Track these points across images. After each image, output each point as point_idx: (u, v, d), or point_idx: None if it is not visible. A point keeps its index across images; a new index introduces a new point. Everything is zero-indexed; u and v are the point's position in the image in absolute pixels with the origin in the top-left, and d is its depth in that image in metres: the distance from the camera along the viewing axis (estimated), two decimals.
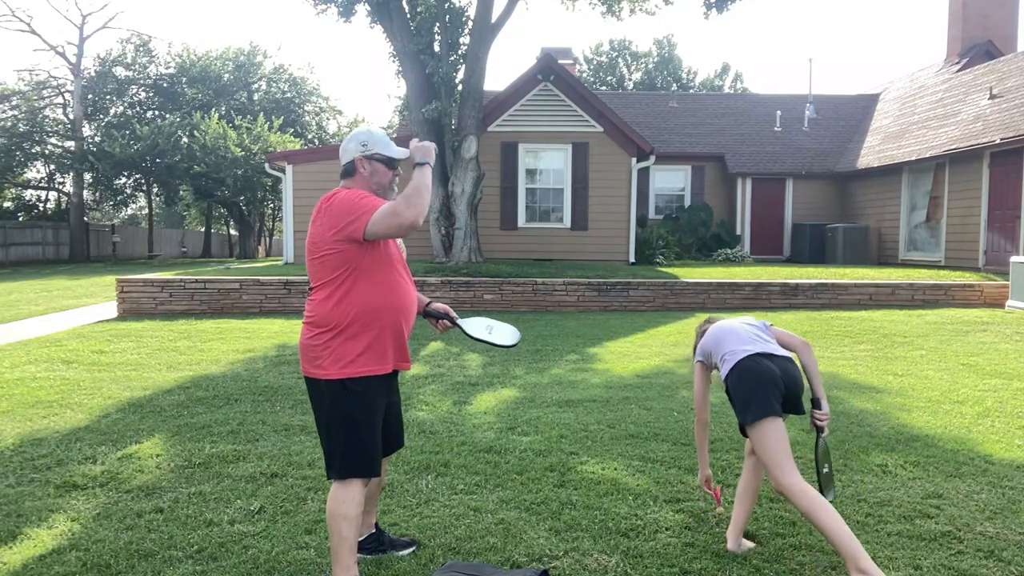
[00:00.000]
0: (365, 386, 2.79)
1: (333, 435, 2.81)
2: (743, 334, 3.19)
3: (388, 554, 3.19)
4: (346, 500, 2.76)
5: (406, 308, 2.90)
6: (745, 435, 3.07)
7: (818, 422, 3.14)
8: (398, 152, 2.94)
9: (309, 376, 2.84)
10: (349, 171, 2.93)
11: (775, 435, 2.94)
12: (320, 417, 2.86)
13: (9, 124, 32.70)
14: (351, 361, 2.76)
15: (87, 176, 32.64)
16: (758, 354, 3.06)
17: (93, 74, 35.39)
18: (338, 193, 2.81)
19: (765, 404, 2.95)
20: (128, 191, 37.95)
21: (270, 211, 44.00)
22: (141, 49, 37.23)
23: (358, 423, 2.78)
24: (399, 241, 3.03)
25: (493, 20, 14.60)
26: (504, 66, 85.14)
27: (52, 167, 35.78)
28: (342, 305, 2.76)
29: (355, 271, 2.76)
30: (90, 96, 35.37)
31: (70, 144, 33.45)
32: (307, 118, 43.80)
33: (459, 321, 3.10)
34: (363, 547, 3.16)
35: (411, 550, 3.23)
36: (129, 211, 50.75)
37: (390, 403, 2.99)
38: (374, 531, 3.22)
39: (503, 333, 3.13)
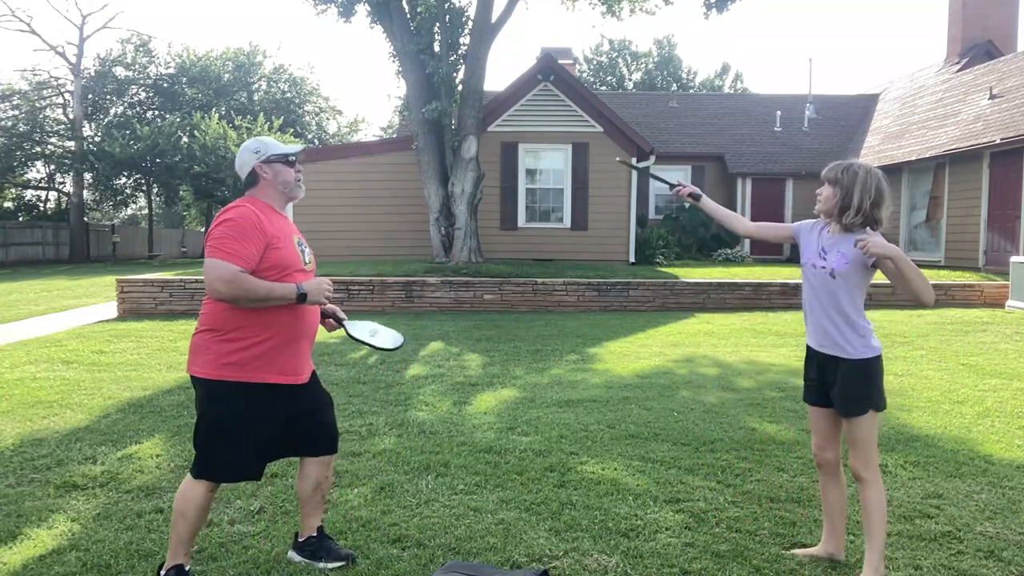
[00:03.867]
0: (236, 392, 2.77)
1: (197, 433, 2.83)
2: None
3: (320, 564, 3.07)
4: (186, 497, 2.81)
5: (301, 327, 2.88)
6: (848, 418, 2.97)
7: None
8: (291, 148, 2.97)
9: (189, 373, 2.85)
10: (252, 181, 2.93)
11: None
12: (198, 414, 2.86)
13: (9, 124, 32.72)
14: (226, 364, 2.75)
15: (87, 176, 32.65)
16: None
17: (93, 74, 35.41)
18: (232, 209, 2.79)
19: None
20: (128, 191, 37.96)
21: None
22: (141, 49, 37.24)
23: (223, 427, 2.77)
24: (307, 250, 3.04)
25: (493, 20, 14.60)
26: (504, 66, 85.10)
27: (52, 167, 35.80)
28: (230, 309, 2.75)
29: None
30: (90, 96, 35.39)
31: (70, 144, 33.47)
32: (307, 118, 43.80)
33: (345, 322, 3.08)
34: (302, 548, 3.13)
35: (340, 564, 3.06)
36: (129, 211, 50.74)
37: (300, 412, 2.95)
38: (314, 535, 3.14)
39: (386, 337, 3.12)
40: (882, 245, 2.75)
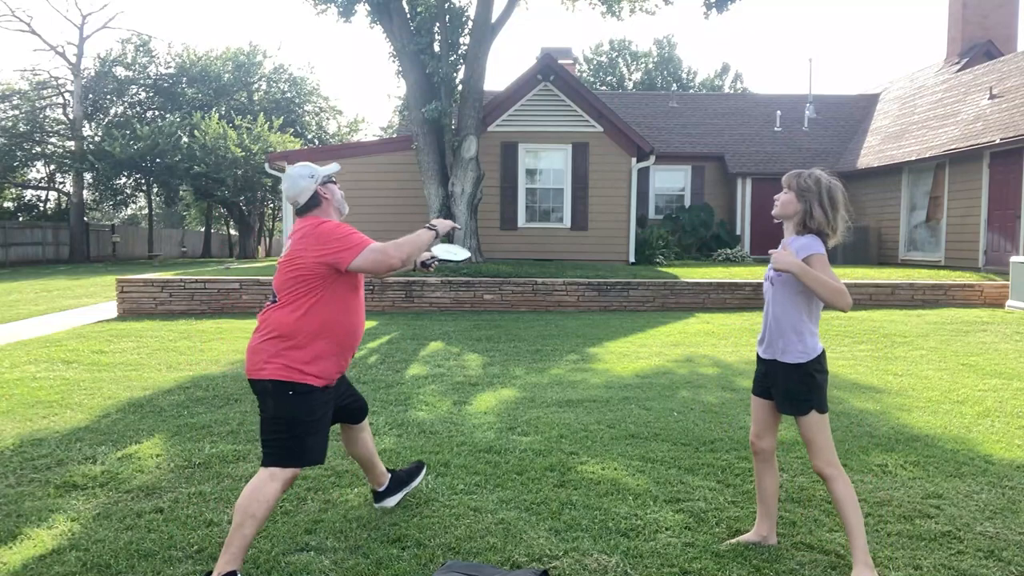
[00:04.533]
0: (304, 392, 2.99)
1: (270, 432, 3.01)
2: None
3: (414, 483, 3.75)
4: (259, 498, 2.90)
5: (358, 331, 3.19)
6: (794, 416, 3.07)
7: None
8: (333, 168, 3.28)
9: (254, 378, 3.01)
10: (315, 204, 3.16)
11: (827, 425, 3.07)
12: (262, 415, 3.04)
13: (9, 124, 32.71)
14: (296, 368, 2.97)
15: (87, 176, 32.66)
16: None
17: (93, 74, 35.40)
18: (325, 222, 3.05)
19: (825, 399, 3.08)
20: (128, 191, 37.97)
21: (270, 211, 44.01)
22: (141, 49, 37.23)
23: (296, 424, 2.99)
24: None
25: (493, 20, 14.60)
26: (504, 66, 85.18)
27: (52, 167, 35.79)
28: (304, 319, 2.99)
29: (324, 292, 3.01)
30: (90, 96, 35.38)
31: (70, 144, 33.46)
32: (307, 118, 43.81)
33: (434, 250, 3.56)
34: (388, 492, 3.66)
35: (423, 473, 3.83)
36: (129, 211, 50.77)
37: (341, 393, 3.33)
38: (388, 477, 3.67)
39: (459, 251, 3.67)
40: (784, 262, 2.90)
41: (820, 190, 3.03)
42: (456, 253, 3.61)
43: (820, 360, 3.02)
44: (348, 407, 3.42)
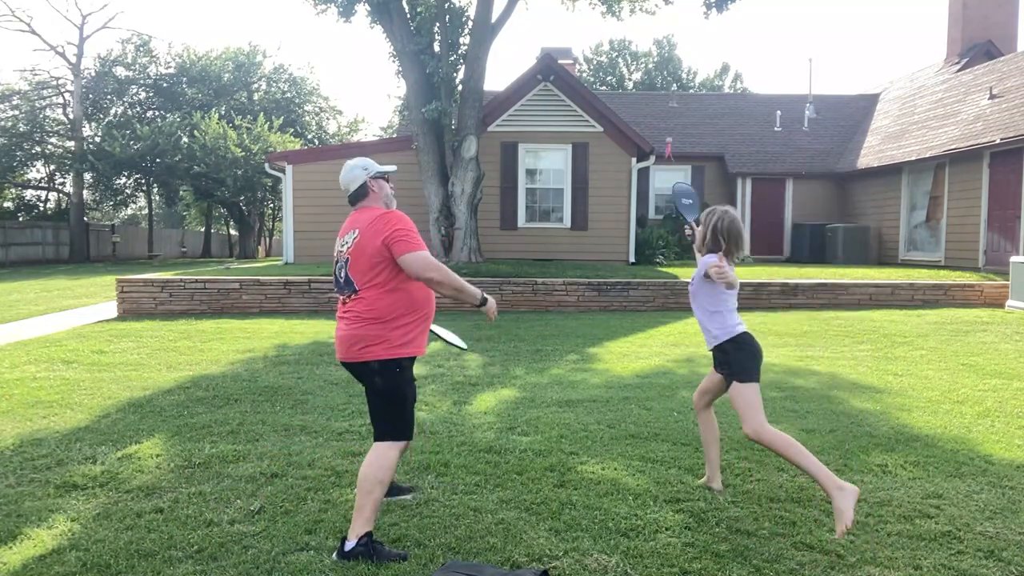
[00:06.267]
0: (407, 366, 3.32)
1: (384, 407, 3.31)
2: None
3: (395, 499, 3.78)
4: (384, 465, 3.23)
5: (433, 301, 3.46)
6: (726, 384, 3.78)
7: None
8: (390, 168, 3.54)
9: (354, 362, 3.28)
10: (363, 193, 3.43)
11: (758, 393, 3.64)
12: (372, 393, 3.32)
13: (9, 124, 32.70)
14: (398, 346, 3.26)
15: (87, 176, 32.64)
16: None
17: (93, 74, 35.39)
18: (392, 213, 3.33)
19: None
20: (128, 191, 37.97)
21: (270, 211, 43.99)
22: (141, 49, 37.22)
23: (404, 397, 3.31)
24: None
25: (493, 20, 14.59)
26: (504, 66, 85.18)
27: (52, 167, 35.79)
28: (394, 299, 3.26)
29: (400, 271, 3.25)
30: (90, 96, 35.38)
31: (70, 144, 33.47)
32: (307, 118, 43.80)
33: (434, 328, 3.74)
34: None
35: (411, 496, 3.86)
36: (129, 211, 50.76)
37: None
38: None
39: (458, 339, 3.89)
40: (713, 273, 3.66)
41: (718, 219, 3.81)
42: (459, 341, 3.91)
43: (739, 338, 3.77)
44: None
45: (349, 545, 3.14)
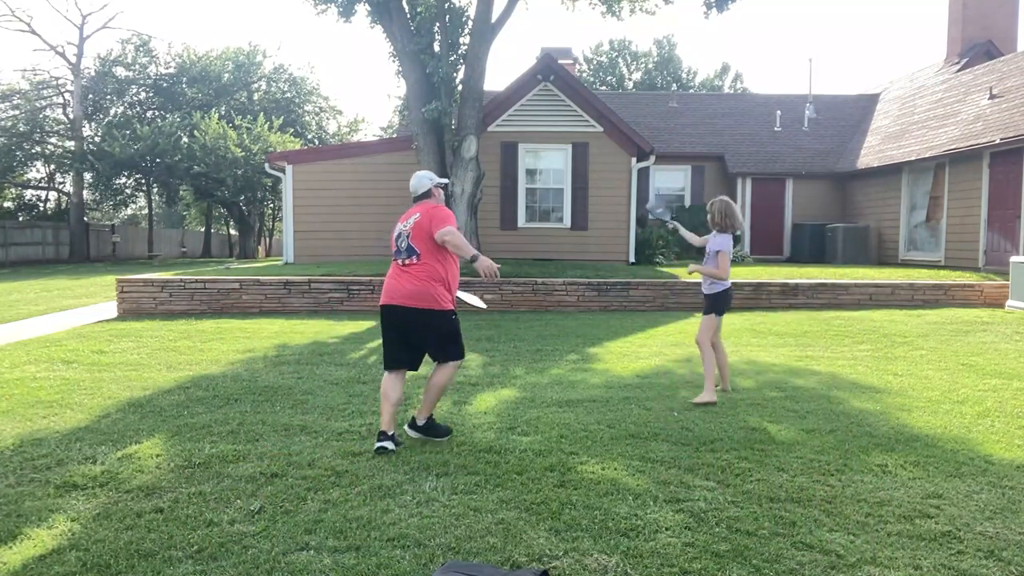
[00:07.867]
0: (454, 313, 4.72)
1: (449, 341, 4.71)
2: None
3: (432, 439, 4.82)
4: (451, 376, 4.82)
5: (458, 274, 4.81)
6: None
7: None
8: (445, 180, 5.40)
9: (425, 308, 4.56)
10: (428, 194, 4.81)
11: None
12: (430, 334, 4.66)
13: (9, 124, 32.71)
14: (449, 300, 4.67)
15: (87, 176, 32.64)
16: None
17: (93, 74, 35.42)
18: (439, 207, 4.74)
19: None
20: (128, 191, 37.98)
21: (270, 211, 44.01)
22: (141, 49, 37.24)
23: (458, 333, 4.76)
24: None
25: (493, 20, 14.59)
26: (504, 66, 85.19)
27: (52, 167, 35.81)
28: (444, 268, 4.64)
29: (443, 249, 4.62)
30: (90, 96, 35.40)
31: (70, 144, 33.48)
32: (307, 118, 43.82)
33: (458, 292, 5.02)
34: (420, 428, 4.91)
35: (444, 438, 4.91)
36: (129, 211, 50.75)
37: None
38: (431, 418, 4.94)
39: (478, 300, 5.26)
40: (695, 268, 6.10)
41: (722, 205, 5.93)
42: (476, 302, 5.18)
43: (720, 294, 6.03)
44: None
45: (422, 420, 4.79)
